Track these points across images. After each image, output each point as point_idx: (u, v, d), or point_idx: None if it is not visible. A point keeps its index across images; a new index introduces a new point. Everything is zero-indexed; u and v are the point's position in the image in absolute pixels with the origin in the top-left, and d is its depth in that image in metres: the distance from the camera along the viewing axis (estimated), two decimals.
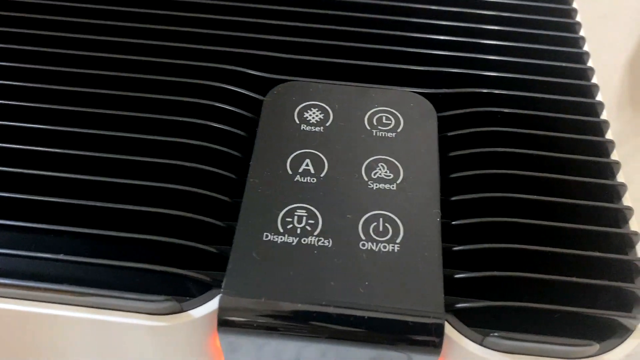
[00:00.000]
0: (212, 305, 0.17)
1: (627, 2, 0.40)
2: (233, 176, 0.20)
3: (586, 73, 0.24)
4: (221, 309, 0.16)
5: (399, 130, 0.20)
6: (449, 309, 0.17)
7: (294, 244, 0.18)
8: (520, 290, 0.18)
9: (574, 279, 0.18)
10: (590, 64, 0.24)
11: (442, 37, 0.23)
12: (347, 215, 0.18)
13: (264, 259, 0.17)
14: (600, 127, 0.22)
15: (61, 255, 0.17)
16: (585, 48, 0.25)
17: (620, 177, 0.21)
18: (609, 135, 0.22)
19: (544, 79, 0.23)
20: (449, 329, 0.17)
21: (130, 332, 0.17)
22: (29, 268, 0.18)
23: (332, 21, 0.24)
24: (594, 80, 0.24)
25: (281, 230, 0.18)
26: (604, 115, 0.23)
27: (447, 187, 0.20)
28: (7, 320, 0.18)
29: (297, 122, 0.20)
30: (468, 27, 0.24)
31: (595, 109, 0.22)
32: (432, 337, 0.16)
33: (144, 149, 0.20)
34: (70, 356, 0.19)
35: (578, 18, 0.26)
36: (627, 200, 0.20)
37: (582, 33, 0.25)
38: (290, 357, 0.17)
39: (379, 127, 0.20)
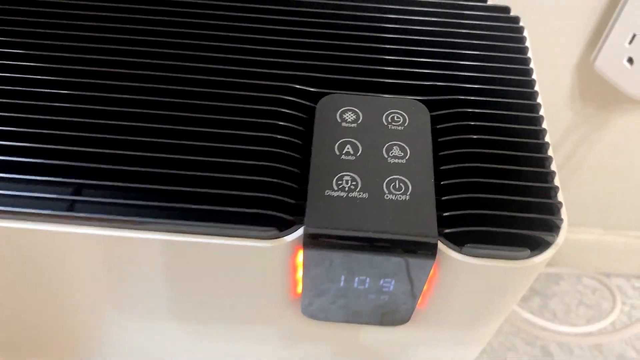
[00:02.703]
0: (299, 233, 0.27)
1: (574, 12, 0.50)
2: (299, 156, 0.30)
3: (531, 82, 0.34)
4: (305, 235, 0.27)
5: (405, 125, 0.31)
6: (440, 233, 0.28)
7: (344, 197, 0.28)
8: (483, 222, 0.29)
9: (518, 214, 0.28)
10: (533, 72, 0.35)
11: (430, 60, 0.34)
12: (376, 179, 0.29)
13: (327, 206, 0.28)
14: (541, 134, 0.32)
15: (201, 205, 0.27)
16: (532, 65, 0.36)
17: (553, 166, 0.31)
18: (547, 138, 0.32)
19: (499, 88, 0.33)
20: (440, 245, 0.28)
21: (245, 251, 0.28)
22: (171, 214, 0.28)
23: (359, 50, 0.34)
24: (537, 83, 0.34)
25: (335, 189, 0.28)
26: (541, 107, 0.33)
27: (437, 161, 0.31)
28: (146, 248, 0.28)
29: (339, 120, 0.31)
30: (444, 52, 0.35)
31: (536, 107, 0.33)
32: (430, 250, 0.27)
33: (241, 141, 0.30)
34: (196, 276, 0.30)
35: (527, 43, 0.37)
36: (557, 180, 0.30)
37: (529, 54, 0.36)
38: (343, 265, 0.28)
39: (392, 123, 0.31)
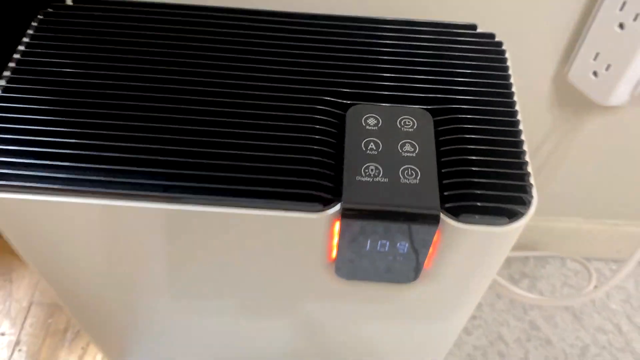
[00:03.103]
0: (337, 207, 0.37)
1: (550, 34, 0.60)
2: (333, 151, 0.40)
3: (510, 94, 0.44)
4: (342, 209, 0.37)
5: (414, 127, 0.41)
6: (442, 207, 0.37)
7: (370, 181, 0.38)
8: (474, 199, 0.38)
9: (499, 193, 0.38)
10: (514, 88, 0.45)
11: (432, 77, 0.44)
12: (393, 168, 0.38)
13: (358, 188, 0.37)
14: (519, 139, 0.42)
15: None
16: (512, 80, 0.45)
17: (527, 157, 0.41)
18: (524, 139, 0.42)
19: (486, 99, 0.43)
20: (442, 216, 0.37)
21: (297, 222, 0.37)
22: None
23: (376, 70, 0.44)
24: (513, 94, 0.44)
25: (363, 175, 0.38)
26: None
27: (439, 154, 0.40)
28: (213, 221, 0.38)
29: (364, 124, 0.41)
30: (442, 70, 0.44)
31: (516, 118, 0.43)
32: (434, 220, 0.37)
33: (290, 140, 0.40)
34: (253, 245, 0.39)
35: (508, 62, 0.46)
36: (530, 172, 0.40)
37: (510, 72, 0.46)
38: (369, 232, 0.38)
39: (405, 126, 0.41)
